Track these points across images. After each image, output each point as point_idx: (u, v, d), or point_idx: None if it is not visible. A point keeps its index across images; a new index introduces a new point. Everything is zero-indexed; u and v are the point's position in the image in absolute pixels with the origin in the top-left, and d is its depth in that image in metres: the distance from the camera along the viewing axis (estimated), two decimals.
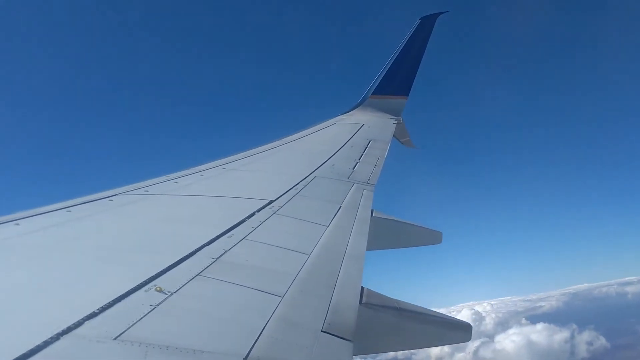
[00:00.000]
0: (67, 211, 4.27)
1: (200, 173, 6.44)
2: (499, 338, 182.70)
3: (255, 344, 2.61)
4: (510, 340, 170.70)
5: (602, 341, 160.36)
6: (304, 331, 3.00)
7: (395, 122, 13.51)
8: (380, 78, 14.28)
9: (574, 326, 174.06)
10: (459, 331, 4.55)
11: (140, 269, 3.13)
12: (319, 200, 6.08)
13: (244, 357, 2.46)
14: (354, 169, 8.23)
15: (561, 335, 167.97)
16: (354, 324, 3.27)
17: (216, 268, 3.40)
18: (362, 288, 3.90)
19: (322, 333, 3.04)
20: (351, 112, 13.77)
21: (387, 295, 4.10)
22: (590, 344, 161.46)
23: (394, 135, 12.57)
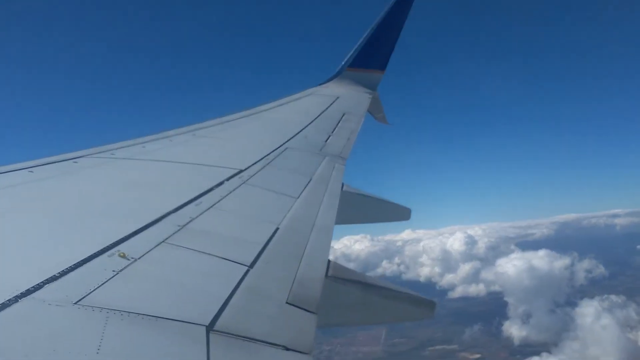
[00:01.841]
0: (29, 171, 4.15)
1: (169, 138, 6.33)
2: (500, 262, 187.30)
3: (219, 313, 2.60)
4: (512, 264, 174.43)
5: (601, 269, 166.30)
6: (268, 302, 2.99)
7: (371, 96, 13.47)
8: (358, 50, 14.17)
9: (575, 254, 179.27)
10: (423, 307, 4.61)
11: (104, 234, 3.08)
12: (289, 171, 6.05)
13: (207, 325, 2.45)
14: (326, 141, 8.20)
15: (562, 262, 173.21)
16: (319, 297, 3.29)
17: (182, 236, 3.36)
18: (329, 261, 3.92)
19: (287, 304, 3.04)
20: (327, 84, 13.67)
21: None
22: (589, 271, 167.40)
23: (368, 110, 12.54)
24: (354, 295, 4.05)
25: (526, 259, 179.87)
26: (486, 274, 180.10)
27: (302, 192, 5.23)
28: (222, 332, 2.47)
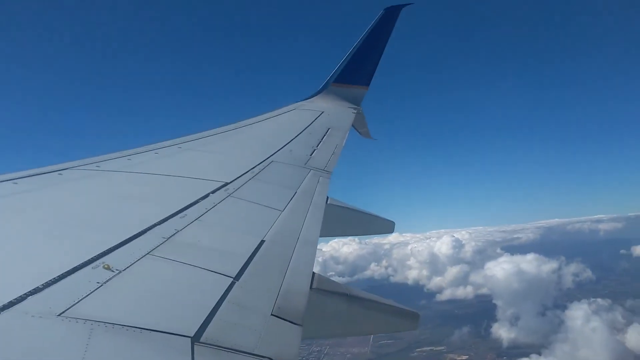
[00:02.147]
0: (14, 183, 4.12)
1: (155, 151, 6.32)
2: (489, 265, 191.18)
3: (204, 325, 2.59)
4: (500, 267, 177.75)
5: (588, 273, 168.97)
6: (253, 314, 3.00)
7: (355, 111, 13.56)
8: (343, 66, 14.28)
9: (562, 258, 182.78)
10: (407, 319, 4.63)
11: (88, 246, 3.06)
12: (274, 184, 6.06)
13: (192, 336, 2.45)
14: (311, 155, 8.23)
15: (549, 266, 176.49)
16: (304, 309, 3.29)
17: (167, 248, 3.35)
18: (314, 273, 3.93)
19: (272, 317, 3.05)
20: (312, 99, 13.75)
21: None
22: (576, 275, 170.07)
23: (352, 125, 12.62)
24: (338, 307, 4.06)
25: (514, 262, 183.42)
26: (475, 277, 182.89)
27: (287, 205, 5.24)
28: (207, 344, 2.46)
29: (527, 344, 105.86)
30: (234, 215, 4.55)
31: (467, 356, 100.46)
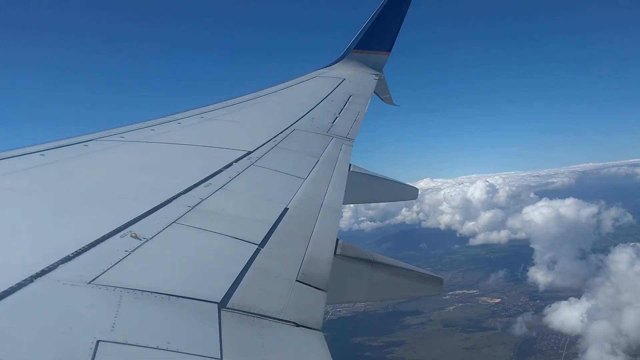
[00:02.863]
0: (41, 155, 4.18)
1: (178, 121, 6.35)
2: (527, 209, 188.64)
3: (230, 291, 2.63)
4: (538, 212, 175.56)
5: (628, 218, 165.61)
6: (278, 280, 3.03)
7: (377, 77, 13.41)
8: (363, 32, 14.07)
9: (602, 202, 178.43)
10: (431, 284, 4.65)
11: (116, 215, 3.11)
12: (297, 153, 6.06)
13: (219, 302, 2.49)
14: (333, 123, 8.19)
15: (588, 210, 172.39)
16: (328, 275, 3.32)
17: (192, 216, 3.39)
18: (337, 240, 3.95)
19: (297, 282, 3.08)
20: (332, 66, 13.62)
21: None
22: (616, 220, 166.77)
23: (374, 91, 12.50)
24: (362, 273, 4.09)
25: (553, 207, 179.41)
26: (511, 222, 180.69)
27: (310, 172, 5.25)
28: (233, 309, 2.50)
29: (564, 288, 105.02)
30: (257, 183, 4.57)
31: (500, 299, 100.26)
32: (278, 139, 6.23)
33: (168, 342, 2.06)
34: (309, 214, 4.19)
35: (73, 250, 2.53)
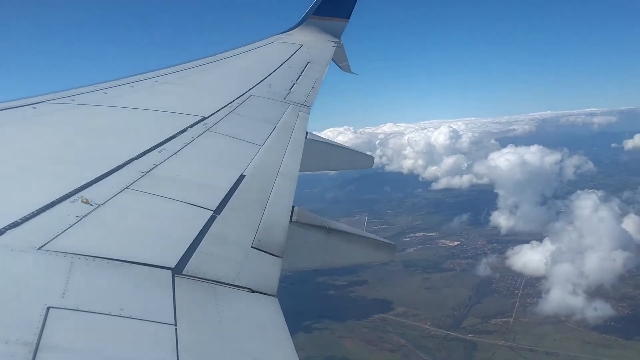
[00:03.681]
0: None
1: (131, 84, 6.19)
2: (493, 156, 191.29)
3: (184, 257, 2.63)
4: (504, 158, 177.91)
5: (589, 165, 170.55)
6: (234, 246, 3.04)
7: (335, 44, 13.33)
8: None
9: (565, 150, 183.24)
10: (384, 251, 4.74)
11: (66, 180, 3.04)
12: (253, 119, 6.01)
13: (173, 268, 2.48)
14: (290, 89, 8.13)
15: (552, 157, 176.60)
16: (284, 241, 3.34)
17: (145, 182, 3.34)
18: (293, 207, 3.97)
19: (252, 249, 3.09)
20: (290, 32, 13.45)
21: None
22: (577, 167, 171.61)
23: (332, 59, 12.44)
24: (317, 239, 4.13)
25: (518, 153, 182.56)
26: (478, 168, 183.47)
27: (266, 139, 5.22)
28: (187, 275, 2.50)
29: (524, 232, 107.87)
30: (212, 149, 4.52)
31: (459, 242, 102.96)
32: (234, 104, 6.15)
33: (121, 309, 2.05)
34: (265, 181, 4.19)
35: (21, 216, 2.47)
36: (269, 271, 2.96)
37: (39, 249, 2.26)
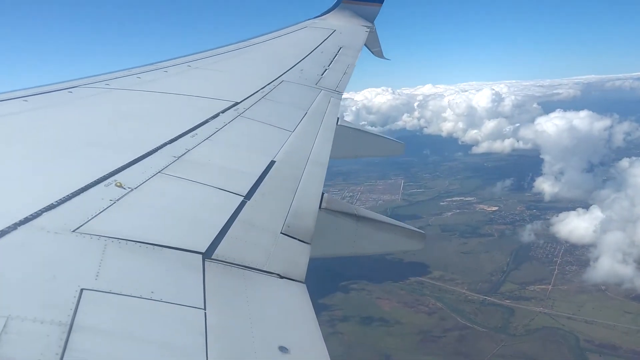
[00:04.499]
0: (24, 100, 4.11)
1: (164, 69, 6.24)
2: (540, 120, 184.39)
3: (215, 242, 2.65)
4: (552, 123, 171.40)
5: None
6: (263, 232, 3.05)
7: (368, 29, 13.21)
8: None
9: (616, 115, 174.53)
10: (413, 239, 4.70)
11: (100, 164, 3.09)
12: (285, 105, 6.01)
13: (203, 253, 2.51)
14: (322, 75, 8.10)
15: (602, 123, 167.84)
16: (313, 228, 3.35)
17: (178, 166, 3.38)
18: (323, 194, 3.96)
19: (282, 235, 3.10)
20: (323, 17, 13.37)
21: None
22: (628, 134, 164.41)
23: (365, 44, 12.33)
24: (346, 227, 4.12)
25: (567, 118, 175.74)
26: (524, 132, 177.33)
27: (297, 125, 5.22)
28: (218, 260, 2.53)
29: (568, 199, 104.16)
30: (244, 135, 4.54)
31: (497, 207, 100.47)
32: (266, 90, 6.16)
33: (152, 292, 2.08)
34: (295, 167, 4.19)
35: (57, 199, 2.52)
36: (297, 257, 2.97)
37: (73, 231, 2.31)
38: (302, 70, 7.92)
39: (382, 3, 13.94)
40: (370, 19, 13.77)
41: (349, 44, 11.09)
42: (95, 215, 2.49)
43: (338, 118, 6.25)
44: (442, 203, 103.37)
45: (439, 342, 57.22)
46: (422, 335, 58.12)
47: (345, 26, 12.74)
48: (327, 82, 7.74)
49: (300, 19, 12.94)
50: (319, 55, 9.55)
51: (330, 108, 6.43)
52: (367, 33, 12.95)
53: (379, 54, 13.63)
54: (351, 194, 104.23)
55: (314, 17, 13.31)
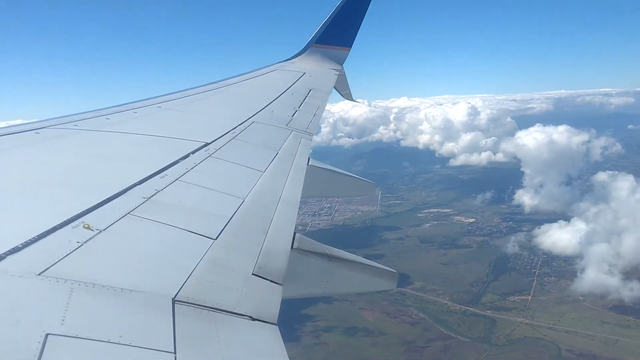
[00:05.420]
0: None
1: (134, 110, 6.22)
2: (520, 134, 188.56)
3: (185, 285, 2.61)
4: (532, 137, 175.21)
5: (617, 147, 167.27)
6: (234, 273, 3.01)
7: (337, 72, 13.45)
8: (324, 27, 14.09)
9: (593, 130, 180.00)
10: (386, 279, 4.70)
11: (68, 206, 3.03)
12: (256, 145, 6.03)
13: (173, 297, 2.46)
14: (293, 116, 8.17)
15: (580, 138, 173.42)
16: (285, 268, 3.32)
17: (147, 207, 3.34)
18: (295, 234, 3.95)
19: (253, 276, 3.07)
20: (293, 60, 13.59)
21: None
22: (605, 148, 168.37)
23: (334, 87, 12.54)
24: (319, 266, 4.10)
25: (546, 132, 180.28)
26: (505, 145, 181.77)
27: (268, 166, 5.23)
28: (188, 302, 2.48)
29: (546, 211, 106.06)
30: (214, 175, 4.52)
31: (474, 219, 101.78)
32: (237, 130, 6.17)
33: (120, 336, 2.03)
34: (266, 207, 4.18)
35: (22, 241, 2.46)
36: (269, 299, 2.94)
37: (38, 274, 2.25)
38: (272, 111, 7.99)
39: (350, 47, 14.26)
40: (339, 62, 14.05)
41: (319, 86, 11.26)
42: (62, 258, 2.43)
43: (309, 158, 6.29)
44: (419, 214, 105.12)
45: (423, 352, 57.65)
46: (406, 345, 58.53)
47: (314, 69, 12.97)
48: (297, 123, 7.81)
49: (270, 62, 13.12)
50: (290, 97, 9.66)
51: (300, 149, 6.47)
52: (337, 76, 13.19)
53: (348, 96, 13.87)
54: (329, 204, 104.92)
55: (284, 60, 13.52)
